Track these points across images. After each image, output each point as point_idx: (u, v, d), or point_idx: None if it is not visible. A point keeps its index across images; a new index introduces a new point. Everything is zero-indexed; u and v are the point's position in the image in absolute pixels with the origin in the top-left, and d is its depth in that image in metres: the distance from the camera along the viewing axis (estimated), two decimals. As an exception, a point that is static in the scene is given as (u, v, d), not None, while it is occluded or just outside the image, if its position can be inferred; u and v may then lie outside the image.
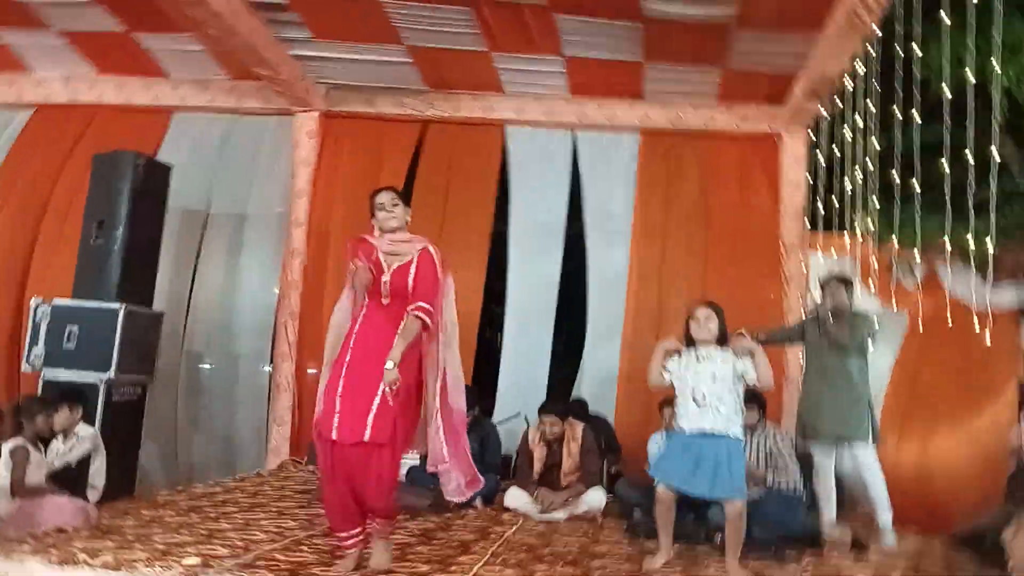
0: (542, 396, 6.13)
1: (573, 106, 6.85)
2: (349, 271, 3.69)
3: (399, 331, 3.55)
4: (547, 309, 6.70)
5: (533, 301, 6.71)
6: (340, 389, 3.52)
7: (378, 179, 6.42)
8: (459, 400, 3.83)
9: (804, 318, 5.15)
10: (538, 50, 6.21)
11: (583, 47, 6.10)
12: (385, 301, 3.64)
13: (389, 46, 6.30)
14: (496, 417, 6.19)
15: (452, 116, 6.97)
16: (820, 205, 6.04)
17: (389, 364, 3.46)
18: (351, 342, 3.62)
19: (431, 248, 3.70)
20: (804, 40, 5.53)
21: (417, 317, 3.55)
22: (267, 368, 6.75)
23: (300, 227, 6.83)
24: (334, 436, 3.46)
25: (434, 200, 6.74)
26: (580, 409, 5.82)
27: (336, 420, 3.48)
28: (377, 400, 3.48)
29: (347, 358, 3.58)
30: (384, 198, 3.74)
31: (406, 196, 3.96)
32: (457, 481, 3.77)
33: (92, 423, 5.01)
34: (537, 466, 5.22)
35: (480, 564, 3.72)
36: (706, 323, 4.00)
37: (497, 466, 5.51)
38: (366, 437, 3.44)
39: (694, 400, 3.90)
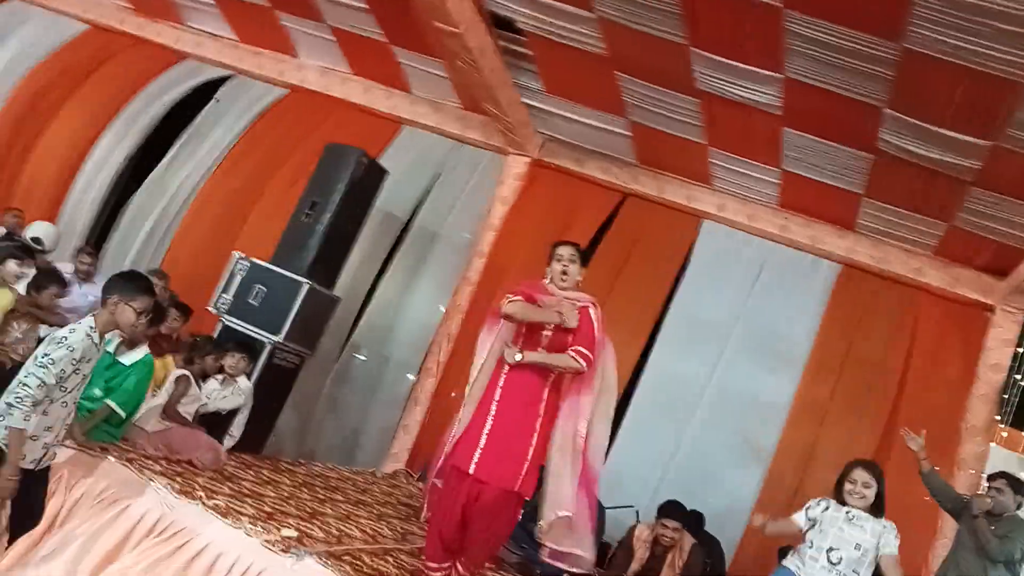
0: (653, 496, 5.90)
1: (777, 218, 6.70)
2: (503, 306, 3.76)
3: (550, 351, 3.65)
4: (686, 410, 6.45)
5: (672, 398, 6.48)
6: (488, 427, 3.59)
7: (566, 234, 6.55)
8: (597, 462, 3.81)
9: (966, 499, 4.69)
10: (756, 156, 6.17)
11: (803, 165, 5.98)
12: (541, 351, 3.72)
13: (613, 116, 6.48)
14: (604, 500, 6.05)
15: (653, 195, 7.03)
16: (1016, 396, 5.52)
17: (518, 356, 3.58)
18: (500, 383, 3.68)
19: (592, 308, 3.76)
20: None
21: (574, 357, 3.60)
22: (411, 377, 7.02)
23: (481, 258, 7.11)
24: (472, 470, 3.53)
25: (610, 270, 6.77)
26: (695, 523, 5.58)
27: (478, 456, 3.54)
28: (531, 453, 3.56)
29: (496, 397, 3.65)
30: (564, 251, 3.83)
31: (586, 256, 4.02)
32: (575, 543, 3.69)
33: (250, 378, 5.43)
34: (635, 566, 5.03)
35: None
36: (864, 489, 3.78)
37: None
38: (516, 487, 3.53)
39: (829, 560, 3.69)
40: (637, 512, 5.59)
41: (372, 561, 3.76)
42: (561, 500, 3.59)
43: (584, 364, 3.60)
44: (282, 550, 3.36)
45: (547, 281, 3.83)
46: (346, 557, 3.63)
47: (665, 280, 6.83)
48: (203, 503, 3.62)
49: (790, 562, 3.86)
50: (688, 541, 5.03)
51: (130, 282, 3.20)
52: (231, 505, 3.74)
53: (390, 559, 3.93)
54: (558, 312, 3.62)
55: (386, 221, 7.33)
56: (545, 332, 3.69)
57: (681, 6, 4.87)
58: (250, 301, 5.64)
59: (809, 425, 6.18)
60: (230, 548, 3.36)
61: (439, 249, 7.40)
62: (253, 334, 5.57)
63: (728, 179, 6.65)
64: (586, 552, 3.70)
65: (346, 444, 7.00)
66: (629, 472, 6.18)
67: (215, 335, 5.59)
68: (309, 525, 3.94)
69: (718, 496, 6.11)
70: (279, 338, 5.54)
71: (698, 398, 6.45)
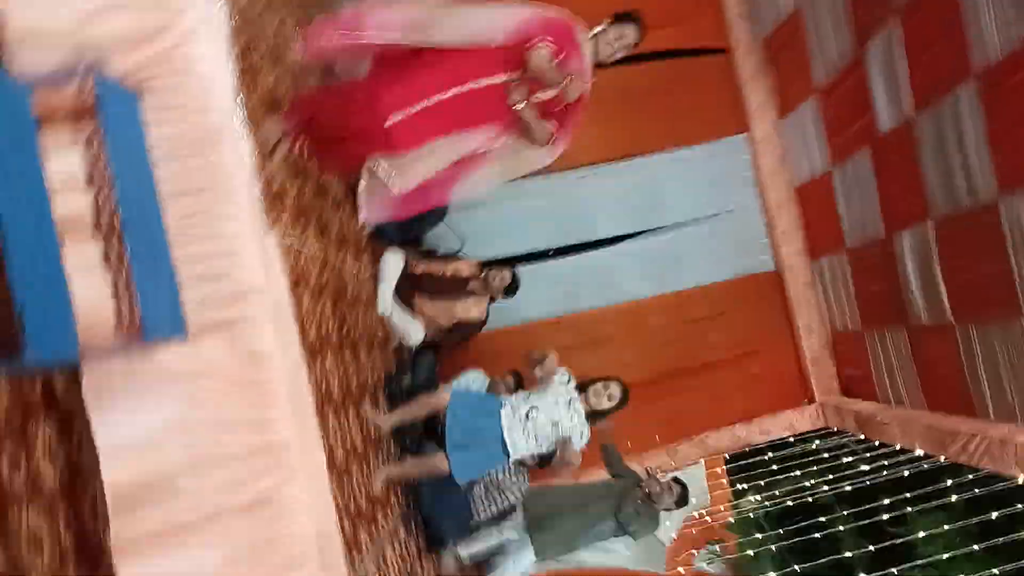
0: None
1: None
2: None
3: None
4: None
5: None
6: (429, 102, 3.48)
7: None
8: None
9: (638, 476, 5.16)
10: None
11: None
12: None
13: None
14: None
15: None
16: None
17: (521, 105, 3.53)
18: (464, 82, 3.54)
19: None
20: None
21: (549, 137, 3.64)
22: None
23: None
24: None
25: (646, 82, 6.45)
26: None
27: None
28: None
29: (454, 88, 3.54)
30: (633, 34, 3.62)
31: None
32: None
33: None
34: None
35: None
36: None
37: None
38: None
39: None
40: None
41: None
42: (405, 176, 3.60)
43: (551, 148, 3.60)
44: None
45: (588, 39, 3.57)
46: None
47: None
48: None
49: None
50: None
51: None
52: None
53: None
54: (567, 84, 3.47)
55: None
56: (546, 92, 3.54)
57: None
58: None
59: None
60: None
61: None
62: None
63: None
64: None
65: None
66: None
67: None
68: None
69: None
70: None
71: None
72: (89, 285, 2.00)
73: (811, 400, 6.48)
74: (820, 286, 6.38)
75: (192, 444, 2.30)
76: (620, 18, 3.59)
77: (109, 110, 1.97)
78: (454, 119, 3.46)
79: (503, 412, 4.21)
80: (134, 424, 2.17)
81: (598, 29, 3.58)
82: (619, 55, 3.59)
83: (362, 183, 3.67)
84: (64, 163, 2.00)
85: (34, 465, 2.01)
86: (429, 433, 4.59)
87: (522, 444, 4.20)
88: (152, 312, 2.09)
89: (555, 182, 6.32)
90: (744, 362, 6.53)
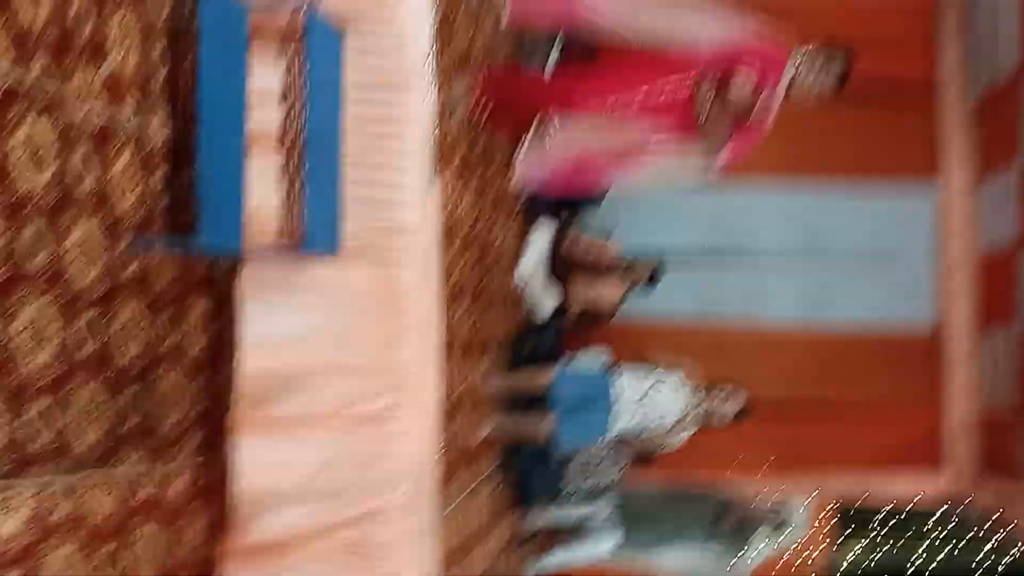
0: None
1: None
2: None
3: None
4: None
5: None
6: None
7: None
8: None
9: None
10: None
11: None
12: None
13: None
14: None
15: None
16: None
17: None
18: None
19: None
20: None
21: None
22: None
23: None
24: None
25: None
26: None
27: None
28: None
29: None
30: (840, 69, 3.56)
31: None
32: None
33: None
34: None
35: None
36: None
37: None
38: None
39: None
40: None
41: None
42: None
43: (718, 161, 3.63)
44: None
45: (792, 64, 3.51)
46: None
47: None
48: None
49: None
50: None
51: None
52: None
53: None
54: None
55: None
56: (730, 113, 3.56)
57: None
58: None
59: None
60: None
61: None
62: None
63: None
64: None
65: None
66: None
67: None
68: None
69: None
70: None
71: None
72: (264, 191, 2.26)
73: (942, 467, 6.11)
74: (982, 356, 5.99)
75: (325, 351, 2.55)
76: (829, 50, 3.50)
77: (313, 40, 2.20)
78: (634, 109, 3.55)
79: (617, 385, 4.30)
80: (278, 322, 2.43)
81: (804, 53, 3.50)
82: (817, 90, 3.51)
83: (527, 138, 3.82)
84: (265, 79, 2.26)
85: (185, 333, 2.30)
86: (536, 402, 4.71)
87: (628, 420, 4.27)
88: (314, 226, 2.32)
89: (721, 185, 6.21)
90: (879, 411, 6.22)
